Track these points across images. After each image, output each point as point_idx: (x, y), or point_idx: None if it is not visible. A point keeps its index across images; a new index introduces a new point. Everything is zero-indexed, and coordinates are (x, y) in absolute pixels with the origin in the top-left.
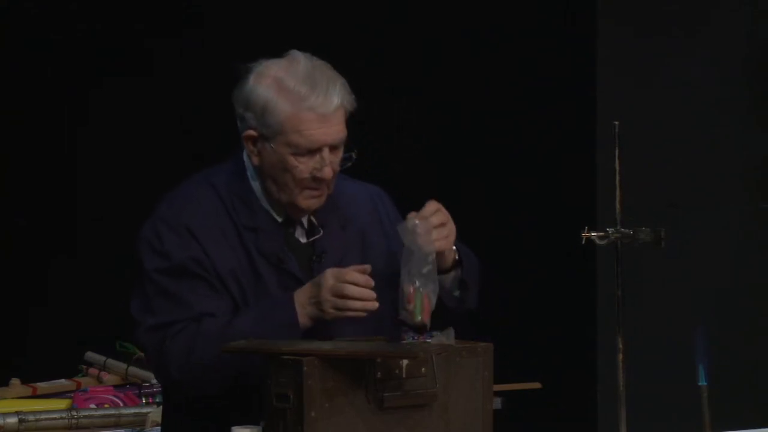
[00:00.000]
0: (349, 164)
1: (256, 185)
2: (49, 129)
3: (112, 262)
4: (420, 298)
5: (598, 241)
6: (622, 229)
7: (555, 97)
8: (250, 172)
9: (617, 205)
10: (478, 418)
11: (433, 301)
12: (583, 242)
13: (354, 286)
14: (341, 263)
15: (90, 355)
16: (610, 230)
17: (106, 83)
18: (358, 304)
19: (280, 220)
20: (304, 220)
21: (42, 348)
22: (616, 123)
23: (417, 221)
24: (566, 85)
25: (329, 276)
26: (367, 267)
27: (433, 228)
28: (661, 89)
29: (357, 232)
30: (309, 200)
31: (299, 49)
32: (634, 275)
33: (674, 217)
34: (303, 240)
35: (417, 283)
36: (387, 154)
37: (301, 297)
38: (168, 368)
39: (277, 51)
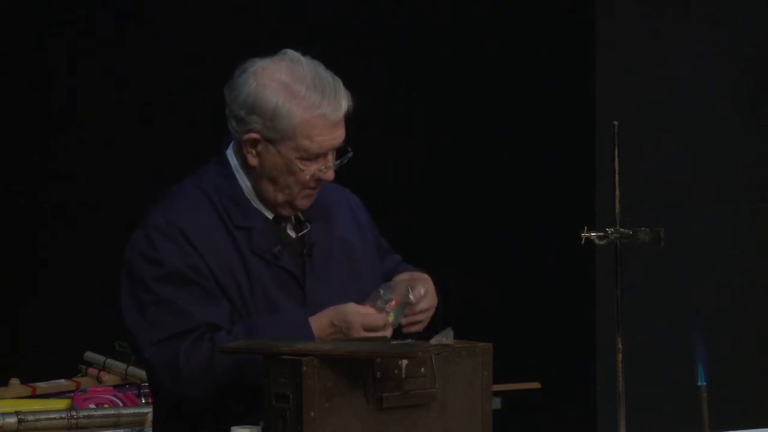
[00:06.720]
0: (345, 161)
1: (245, 185)
2: (47, 125)
3: (112, 261)
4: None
5: (597, 241)
6: (622, 229)
7: (555, 97)
8: (237, 172)
9: (616, 205)
10: (477, 418)
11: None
12: (583, 242)
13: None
14: (330, 255)
15: (89, 355)
16: (609, 230)
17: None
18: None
19: (271, 217)
20: (292, 216)
21: (41, 348)
22: (616, 123)
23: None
24: (566, 85)
25: (355, 317)
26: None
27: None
28: (661, 89)
29: (337, 224)
30: (305, 200)
31: (302, 48)
32: (633, 275)
33: (674, 217)
34: (293, 235)
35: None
36: (387, 154)
37: (322, 325)
38: (183, 387)
39: (277, 50)
